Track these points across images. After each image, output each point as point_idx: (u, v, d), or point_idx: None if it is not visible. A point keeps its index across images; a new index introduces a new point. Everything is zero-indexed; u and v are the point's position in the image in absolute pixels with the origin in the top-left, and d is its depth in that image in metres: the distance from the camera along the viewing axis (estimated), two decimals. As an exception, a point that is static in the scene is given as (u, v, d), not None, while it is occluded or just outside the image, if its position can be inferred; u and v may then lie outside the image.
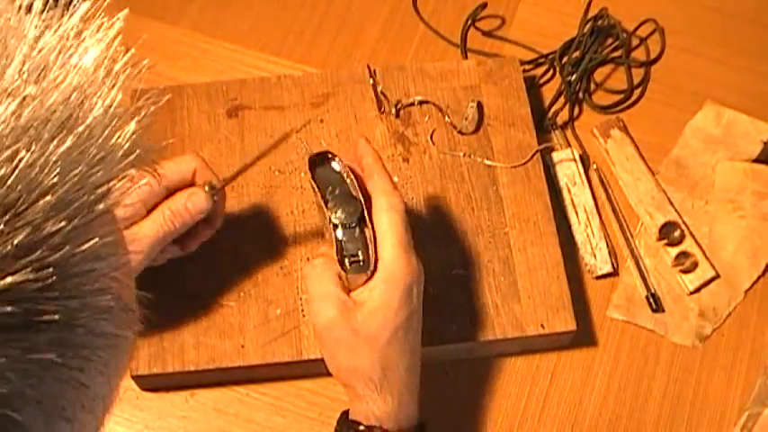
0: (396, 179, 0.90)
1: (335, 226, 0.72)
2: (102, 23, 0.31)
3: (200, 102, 0.92)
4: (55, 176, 0.28)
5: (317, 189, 0.74)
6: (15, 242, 0.27)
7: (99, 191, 0.29)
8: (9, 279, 0.26)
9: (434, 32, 1.04)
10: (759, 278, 0.92)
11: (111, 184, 0.30)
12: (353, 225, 0.72)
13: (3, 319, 0.27)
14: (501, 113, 0.93)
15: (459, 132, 0.92)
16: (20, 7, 0.30)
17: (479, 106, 0.93)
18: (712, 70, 1.03)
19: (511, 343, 0.85)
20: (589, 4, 1.05)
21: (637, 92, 1.02)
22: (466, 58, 1.03)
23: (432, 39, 1.04)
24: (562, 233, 0.89)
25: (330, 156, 0.75)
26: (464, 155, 0.91)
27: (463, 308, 0.84)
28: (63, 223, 0.28)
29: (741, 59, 1.04)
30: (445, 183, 0.90)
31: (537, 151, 0.91)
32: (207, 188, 0.74)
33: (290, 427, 0.83)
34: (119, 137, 0.30)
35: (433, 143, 0.92)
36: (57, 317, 0.28)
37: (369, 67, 0.92)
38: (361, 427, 0.69)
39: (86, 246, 0.29)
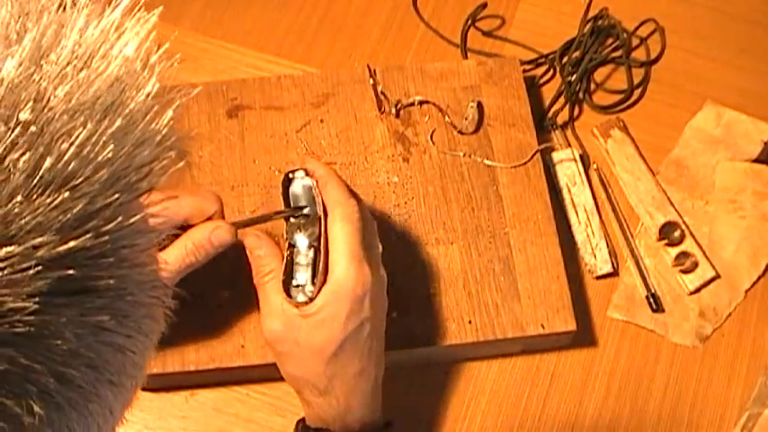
0: (396, 179, 0.90)
1: (291, 246, 0.72)
2: (140, 18, 0.34)
3: (200, 102, 0.92)
4: (108, 153, 0.30)
5: (284, 205, 0.74)
6: (74, 211, 0.29)
7: (143, 170, 0.32)
8: (71, 243, 0.29)
9: (434, 32, 1.04)
10: (759, 278, 0.92)
11: (153, 164, 0.32)
12: (309, 248, 0.71)
13: (64, 281, 0.29)
14: (501, 113, 0.93)
15: (459, 132, 0.92)
16: (63, 1, 0.33)
17: (479, 106, 0.93)
18: (712, 70, 1.03)
19: (511, 343, 0.85)
20: (589, 4, 1.05)
21: (637, 92, 1.02)
22: (466, 58, 1.03)
23: (432, 39, 1.04)
24: (562, 233, 0.89)
25: (302, 173, 0.75)
26: (464, 155, 0.91)
27: (463, 308, 0.84)
28: (115, 196, 0.31)
29: (741, 59, 1.04)
30: (445, 183, 0.90)
31: (537, 151, 0.91)
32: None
33: (289, 427, 0.82)
34: (157, 122, 0.33)
35: (433, 143, 0.92)
36: (111, 281, 0.31)
37: (369, 67, 0.92)
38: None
39: (134, 219, 0.31)
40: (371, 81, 0.91)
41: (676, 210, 0.94)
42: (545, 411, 0.86)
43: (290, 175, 0.75)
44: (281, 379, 0.84)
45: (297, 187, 0.75)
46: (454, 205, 0.89)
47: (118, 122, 0.31)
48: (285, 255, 0.72)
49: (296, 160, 0.90)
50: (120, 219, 0.31)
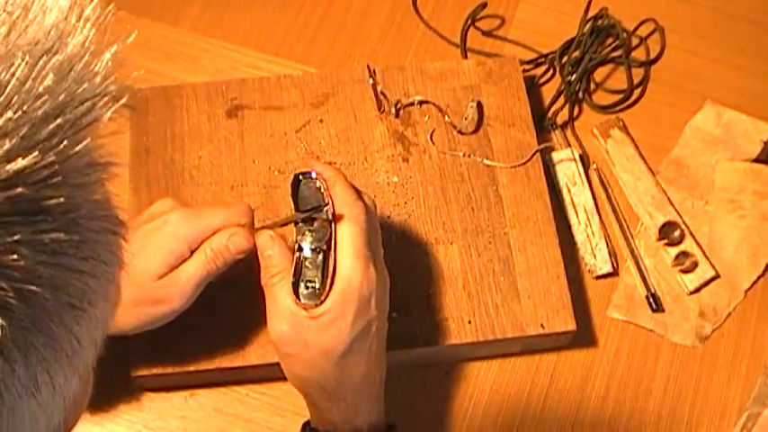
0: (396, 179, 0.90)
1: (300, 248, 0.72)
2: None
3: (199, 102, 0.92)
4: (49, 82, 0.33)
5: (294, 206, 0.73)
6: (21, 134, 0.32)
7: (86, 104, 0.35)
8: (19, 162, 0.31)
9: (434, 32, 1.04)
10: (759, 278, 0.92)
11: (95, 99, 0.35)
12: (317, 251, 0.71)
13: (15, 201, 0.32)
14: (501, 113, 0.93)
15: (459, 132, 0.92)
16: None
17: (479, 106, 0.93)
18: (712, 70, 1.03)
19: (510, 343, 0.85)
20: (589, 4, 1.05)
21: (637, 92, 1.02)
22: (466, 57, 1.03)
23: (432, 39, 1.04)
24: (562, 233, 0.89)
25: (313, 174, 0.75)
26: (464, 155, 0.91)
27: (463, 308, 0.84)
28: (59, 120, 0.33)
29: (741, 59, 1.04)
30: (445, 183, 0.90)
31: (537, 151, 0.91)
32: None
33: (289, 427, 0.83)
34: (96, 63, 0.36)
35: (433, 143, 0.92)
36: (62, 200, 0.33)
37: (369, 67, 0.92)
38: None
39: (81, 145, 0.34)
40: (371, 81, 0.91)
41: (676, 210, 0.94)
42: (545, 411, 0.86)
43: (300, 177, 0.74)
44: (281, 379, 0.84)
45: (305, 189, 0.74)
46: (454, 205, 0.89)
47: (55, 60, 0.34)
48: (294, 257, 0.72)
49: (296, 160, 0.90)
50: (65, 143, 0.33)
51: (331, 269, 0.70)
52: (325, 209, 0.72)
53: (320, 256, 0.71)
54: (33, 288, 0.32)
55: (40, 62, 0.34)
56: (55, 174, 0.33)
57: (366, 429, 0.72)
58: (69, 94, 0.34)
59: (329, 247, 0.71)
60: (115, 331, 0.73)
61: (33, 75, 0.33)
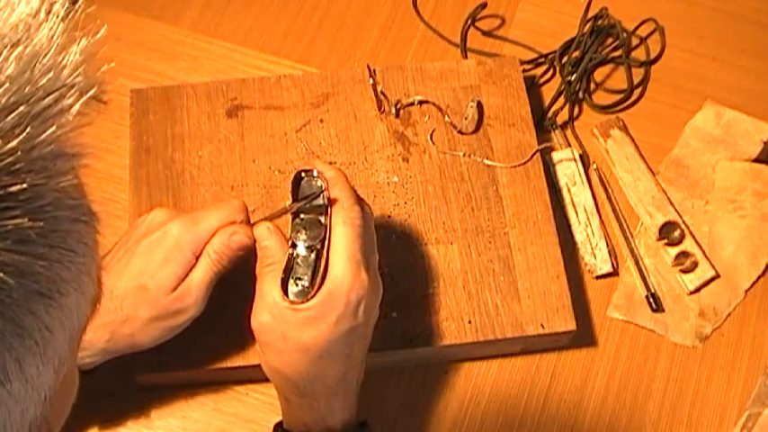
0: (396, 179, 0.90)
1: (294, 245, 0.72)
2: None
3: (199, 101, 0.92)
4: (10, 71, 0.33)
5: (291, 203, 0.74)
6: None
7: (52, 95, 0.35)
8: None
9: (434, 32, 1.04)
10: (759, 278, 0.92)
11: (63, 90, 0.35)
12: (311, 249, 0.71)
13: None
14: (501, 113, 0.93)
15: (459, 132, 0.92)
16: None
17: (479, 106, 0.93)
18: (712, 70, 1.03)
19: (510, 343, 0.85)
20: (589, 4, 1.05)
21: (637, 92, 1.02)
22: (466, 57, 1.03)
23: (432, 39, 1.04)
24: (562, 233, 0.89)
25: (315, 173, 0.75)
26: (464, 155, 0.91)
27: (463, 308, 0.84)
28: (22, 108, 0.33)
29: (741, 59, 1.04)
30: (445, 183, 0.90)
31: (537, 151, 0.91)
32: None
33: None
34: (64, 56, 0.36)
35: (433, 143, 0.92)
36: (25, 186, 0.33)
37: (369, 66, 0.92)
38: None
39: (46, 134, 0.34)
40: (371, 81, 0.91)
41: (676, 209, 0.94)
42: (545, 411, 0.86)
43: (302, 174, 0.74)
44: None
45: (306, 186, 0.75)
46: (454, 205, 0.89)
47: (19, 50, 0.34)
48: (287, 253, 0.72)
49: (296, 160, 0.90)
50: (29, 131, 0.33)
51: (322, 269, 0.70)
52: (321, 198, 0.72)
53: (313, 255, 0.71)
54: (2, 276, 0.32)
55: (3, 52, 0.34)
56: (18, 160, 0.33)
57: (340, 428, 0.72)
58: (34, 84, 0.34)
59: (323, 247, 0.71)
60: (138, 348, 0.74)
61: None
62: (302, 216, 0.73)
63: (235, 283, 0.80)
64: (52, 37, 0.36)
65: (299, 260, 0.71)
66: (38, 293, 0.34)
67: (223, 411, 0.84)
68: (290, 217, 0.74)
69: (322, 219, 0.72)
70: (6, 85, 0.33)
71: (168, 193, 0.87)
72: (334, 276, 0.69)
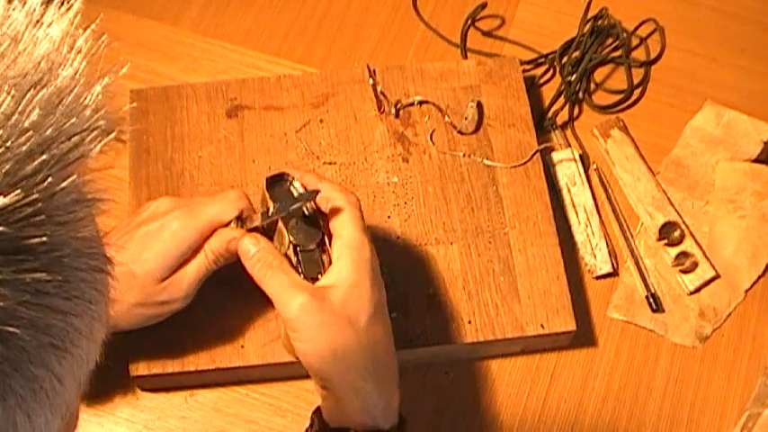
0: (396, 179, 0.90)
1: (296, 246, 0.72)
2: (63, 2, 0.36)
3: (199, 102, 0.92)
4: (35, 117, 0.32)
5: (273, 207, 0.73)
6: (3, 170, 0.31)
7: (74, 139, 0.34)
8: (2, 200, 0.31)
9: (434, 32, 1.04)
10: (759, 278, 0.92)
11: (83, 134, 0.34)
12: (312, 248, 0.72)
13: None
14: (501, 113, 0.93)
15: (459, 132, 0.92)
16: None
17: (479, 106, 0.93)
18: (712, 70, 1.03)
19: (511, 343, 0.85)
20: (589, 4, 1.05)
21: (637, 92, 1.02)
22: (466, 58, 1.03)
23: (432, 39, 1.04)
24: (562, 233, 0.89)
25: (288, 177, 0.75)
26: (464, 155, 0.91)
27: (463, 308, 0.84)
28: (45, 156, 0.32)
29: (741, 59, 1.04)
30: (445, 183, 0.90)
31: (537, 151, 0.91)
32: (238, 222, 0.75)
33: (289, 427, 0.83)
34: (86, 96, 0.35)
35: (433, 143, 0.92)
36: (45, 239, 0.32)
37: (369, 67, 0.92)
38: None
39: (67, 182, 0.33)
40: (371, 81, 0.91)
41: (676, 210, 0.94)
42: (545, 411, 0.86)
43: (289, 179, 0.75)
44: (281, 379, 0.85)
45: (279, 191, 0.75)
46: (454, 205, 0.89)
47: (43, 94, 0.33)
48: (292, 257, 0.72)
49: (296, 160, 0.90)
50: (50, 180, 0.32)
51: (328, 264, 0.70)
52: (309, 198, 0.72)
53: (316, 253, 0.72)
54: (11, 329, 0.31)
55: (28, 95, 0.33)
56: (38, 212, 0.32)
57: (396, 422, 0.69)
58: (57, 128, 0.33)
59: (323, 245, 0.72)
60: (115, 330, 0.73)
61: (20, 109, 0.32)
62: (296, 221, 0.74)
63: (234, 283, 0.80)
64: (75, 75, 0.35)
65: (303, 260, 0.72)
66: (51, 346, 0.33)
67: (223, 411, 0.84)
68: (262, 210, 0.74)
69: (315, 221, 0.73)
70: (30, 132, 0.32)
71: (168, 194, 0.87)
72: (348, 242, 0.69)
